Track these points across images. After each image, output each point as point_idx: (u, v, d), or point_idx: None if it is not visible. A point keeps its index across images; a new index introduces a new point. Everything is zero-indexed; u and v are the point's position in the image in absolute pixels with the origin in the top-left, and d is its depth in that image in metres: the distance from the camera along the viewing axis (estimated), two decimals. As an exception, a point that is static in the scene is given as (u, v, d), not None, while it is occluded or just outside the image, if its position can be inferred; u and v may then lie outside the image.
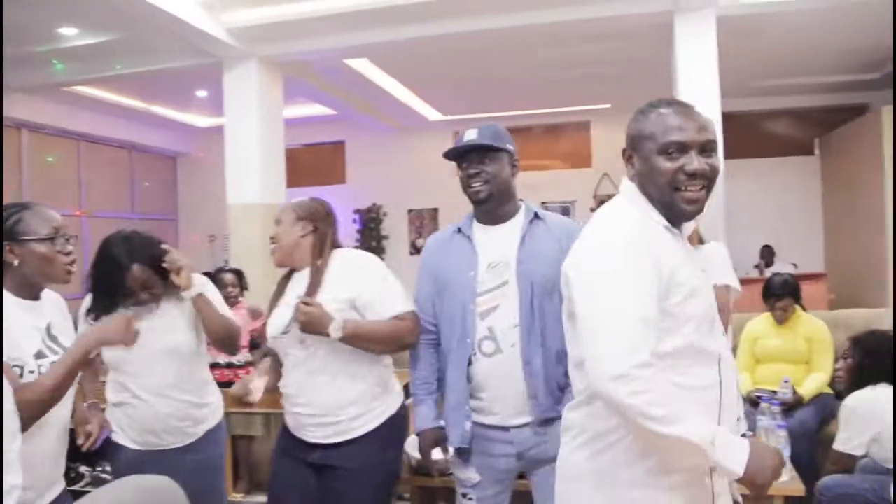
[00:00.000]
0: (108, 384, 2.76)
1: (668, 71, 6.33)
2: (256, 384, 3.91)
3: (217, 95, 7.05)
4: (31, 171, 8.66)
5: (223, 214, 7.05)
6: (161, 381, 2.66)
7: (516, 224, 2.46)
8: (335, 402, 2.45)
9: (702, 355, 1.70)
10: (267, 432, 4.08)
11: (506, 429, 2.38)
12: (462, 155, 2.46)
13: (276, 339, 2.55)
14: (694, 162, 1.71)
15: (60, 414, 2.09)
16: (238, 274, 5.23)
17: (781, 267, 8.66)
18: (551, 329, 2.27)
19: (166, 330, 2.67)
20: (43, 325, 2.13)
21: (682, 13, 5.94)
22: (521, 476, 2.53)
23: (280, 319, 2.51)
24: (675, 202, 1.73)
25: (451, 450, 2.49)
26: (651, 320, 1.61)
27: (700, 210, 1.75)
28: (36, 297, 2.15)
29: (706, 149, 1.74)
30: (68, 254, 2.16)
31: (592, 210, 10.74)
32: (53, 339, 2.13)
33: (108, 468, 2.74)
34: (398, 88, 9.08)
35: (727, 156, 5.80)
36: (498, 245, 2.43)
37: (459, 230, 2.52)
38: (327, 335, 2.35)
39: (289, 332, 2.47)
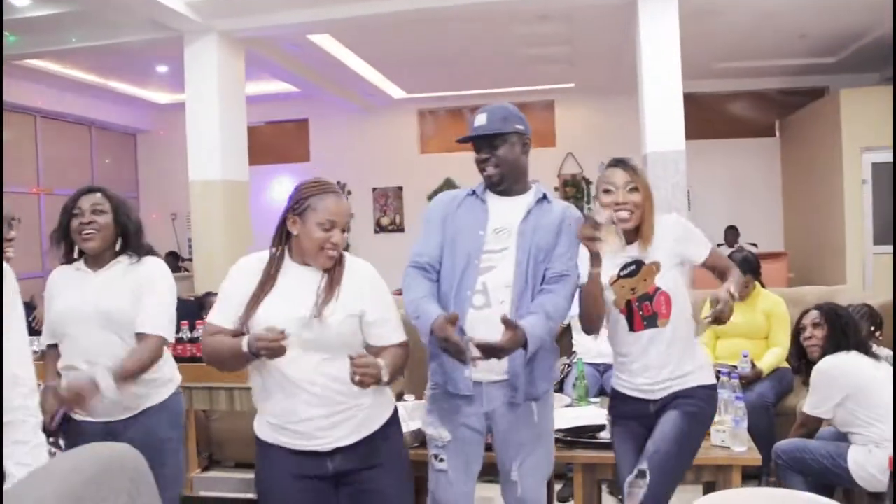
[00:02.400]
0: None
1: (632, 52, 6.36)
2: None
3: (178, 71, 6.96)
4: (-15, 146, 8.46)
5: (185, 192, 6.96)
6: (94, 349, 2.60)
7: (525, 200, 2.57)
8: (350, 392, 2.20)
9: None
10: (230, 408, 4.03)
11: (478, 383, 2.49)
12: (474, 139, 2.55)
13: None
14: None
15: None
16: None
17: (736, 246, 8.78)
18: (537, 293, 2.47)
19: (104, 293, 2.63)
20: None
21: (645, -7, 5.97)
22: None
23: (280, 315, 2.17)
24: None
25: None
26: None
27: None
28: None
29: None
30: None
31: (557, 189, 10.86)
32: None
33: (61, 442, 2.63)
34: (362, 66, 9.01)
35: (689, 136, 5.87)
36: (506, 213, 2.55)
37: (474, 193, 2.63)
38: (379, 383, 2.19)
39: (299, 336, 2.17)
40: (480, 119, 2.53)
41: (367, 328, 2.31)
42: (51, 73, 8.61)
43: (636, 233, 2.53)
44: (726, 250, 9.19)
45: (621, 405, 2.64)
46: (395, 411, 2.43)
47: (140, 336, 2.65)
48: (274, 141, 11.34)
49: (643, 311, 2.51)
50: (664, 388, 2.53)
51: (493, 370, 2.46)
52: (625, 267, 2.52)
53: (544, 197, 2.60)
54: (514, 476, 2.55)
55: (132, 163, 11.62)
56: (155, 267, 2.76)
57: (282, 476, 2.28)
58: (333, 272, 2.29)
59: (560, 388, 4.48)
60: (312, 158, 11.37)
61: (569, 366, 4.51)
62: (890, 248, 8.19)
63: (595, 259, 2.40)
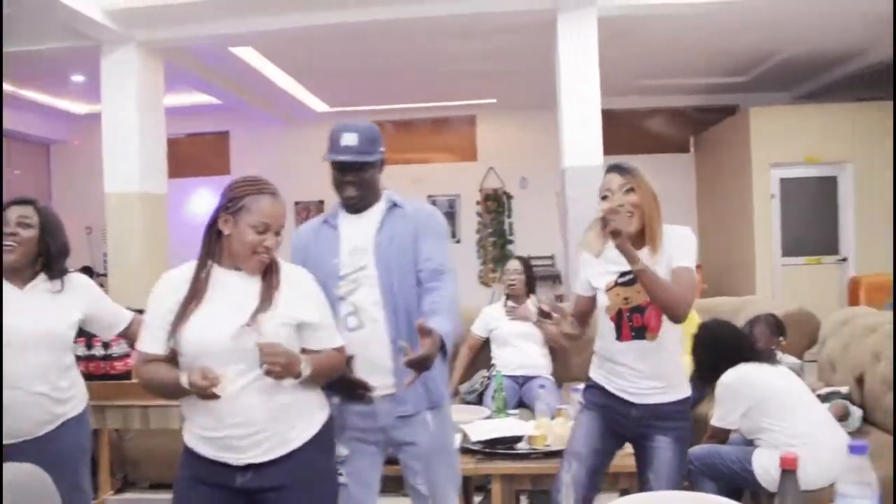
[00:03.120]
0: None
1: (552, 69, 6.48)
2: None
3: (95, 81, 6.77)
4: None
5: (101, 206, 6.75)
6: (33, 371, 2.57)
7: (376, 212, 2.58)
8: (274, 415, 2.14)
9: None
10: (146, 426, 3.95)
11: (370, 400, 2.51)
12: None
13: (209, 353, 2.10)
14: None
15: None
16: None
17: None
18: (409, 305, 2.48)
19: (45, 316, 2.61)
20: None
21: (563, 12, 6.10)
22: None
23: (213, 328, 2.11)
24: None
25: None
26: None
27: None
28: None
29: None
30: None
31: (478, 203, 10.96)
32: None
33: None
34: (285, 79, 8.94)
35: (608, 152, 5.99)
36: (359, 231, 2.55)
37: (326, 221, 2.63)
38: (297, 376, 2.12)
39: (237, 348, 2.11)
40: (349, 139, 2.47)
41: (305, 334, 2.23)
42: (-45, 79, 8.29)
43: (642, 237, 2.50)
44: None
45: (601, 397, 2.66)
46: (324, 429, 2.30)
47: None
48: (194, 153, 11.11)
49: (633, 322, 2.51)
50: (647, 395, 2.55)
51: (379, 385, 2.48)
52: (623, 275, 2.50)
53: (395, 204, 2.59)
54: (423, 489, 2.57)
55: (45, 174, 11.25)
56: (82, 282, 2.81)
57: (191, 478, 2.21)
58: (271, 278, 2.20)
59: (479, 400, 4.53)
60: (233, 171, 11.13)
61: (488, 378, 4.57)
62: (796, 260, 8.57)
63: (628, 256, 2.36)
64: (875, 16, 6.47)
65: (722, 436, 3.39)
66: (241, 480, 2.16)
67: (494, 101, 10.32)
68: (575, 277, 2.89)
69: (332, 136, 2.51)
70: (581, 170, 5.97)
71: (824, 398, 3.84)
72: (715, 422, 3.38)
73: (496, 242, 10.85)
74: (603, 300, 2.56)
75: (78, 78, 8.74)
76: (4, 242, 2.57)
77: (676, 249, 2.50)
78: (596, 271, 2.61)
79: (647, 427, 2.56)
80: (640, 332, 2.51)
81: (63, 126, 10.92)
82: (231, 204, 2.17)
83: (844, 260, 8.61)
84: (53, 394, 2.62)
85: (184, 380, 2.04)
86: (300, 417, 2.22)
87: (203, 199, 10.83)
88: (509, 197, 10.86)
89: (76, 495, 2.64)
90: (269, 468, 2.16)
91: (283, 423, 2.16)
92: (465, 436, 3.39)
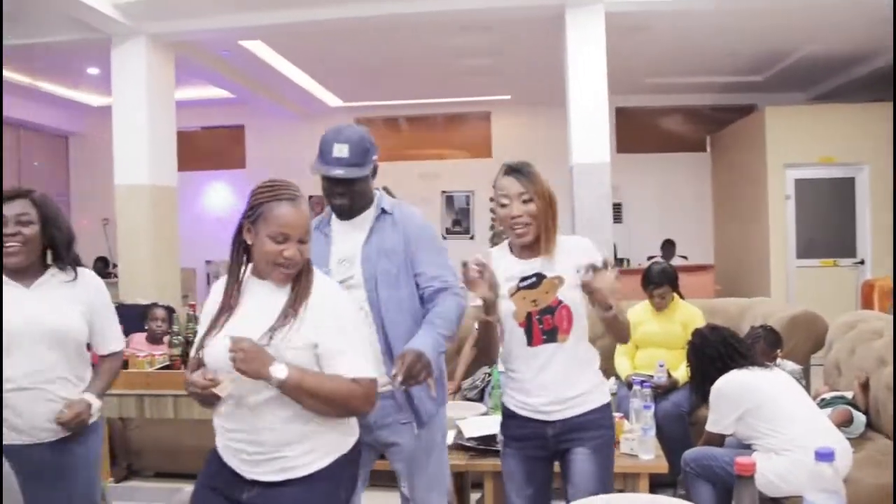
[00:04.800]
0: None
1: (562, 65, 6.45)
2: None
3: (109, 73, 6.82)
4: None
5: (117, 197, 6.82)
6: (41, 368, 2.43)
7: (367, 218, 2.53)
8: (283, 439, 2.03)
9: None
10: (140, 414, 3.94)
11: None
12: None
13: (222, 369, 1.99)
14: None
15: None
16: (169, 310, 5.16)
17: (673, 260, 8.92)
18: (393, 317, 2.46)
19: (50, 312, 2.46)
20: None
21: (571, 6, 6.08)
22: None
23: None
24: None
25: None
26: None
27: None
28: None
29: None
30: None
31: (492, 199, 10.87)
32: None
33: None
34: (296, 73, 8.96)
35: (622, 150, 5.95)
36: (348, 240, 2.52)
37: (318, 227, 2.53)
38: (266, 378, 1.93)
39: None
40: (341, 150, 2.38)
41: (321, 356, 2.04)
42: (-26, 72, 8.36)
43: (537, 246, 2.41)
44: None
45: (515, 427, 2.50)
46: (343, 461, 2.12)
47: (103, 357, 2.64)
48: (209, 147, 11.18)
49: (543, 325, 2.39)
50: (562, 410, 2.41)
51: None
52: (524, 279, 2.39)
53: (384, 211, 2.54)
54: (405, 491, 2.55)
55: (63, 166, 11.35)
56: (95, 284, 2.61)
57: (208, 482, 2.14)
58: (298, 291, 2.04)
59: (481, 396, 4.51)
60: (248, 165, 11.23)
61: (489, 375, 4.54)
62: (811, 262, 8.47)
63: (487, 307, 2.33)
64: (892, 16, 6.37)
65: (717, 441, 3.35)
66: (248, 496, 2.06)
67: (509, 97, 10.29)
68: None
69: (322, 145, 2.42)
70: (588, 167, 5.94)
71: (828, 403, 3.78)
72: (709, 427, 3.34)
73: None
74: (508, 306, 2.39)
75: (93, 70, 8.80)
76: (6, 244, 2.40)
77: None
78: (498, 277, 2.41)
79: (566, 441, 2.43)
80: (552, 335, 2.39)
81: (80, 118, 11.01)
82: (251, 212, 2.04)
83: (862, 262, 8.49)
84: (69, 396, 2.48)
85: (187, 378, 1.99)
86: (317, 445, 2.06)
87: (218, 192, 10.92)
88: (523, 194, 10.81)
89: (89, 491, 2.55)
90: (275, 490, 2.04)
91: (296, 448, 2.03)
92: (459, 432, 3.37)
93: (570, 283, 2.35)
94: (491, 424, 3.44)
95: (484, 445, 3.27)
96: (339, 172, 2.39)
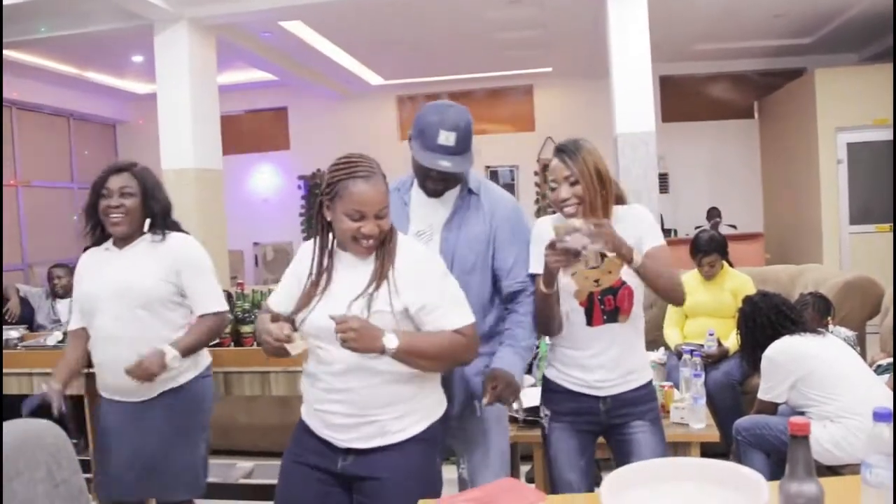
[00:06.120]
0: None
1: (604, 35, 6.35)
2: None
3: (154, 61, 6.90)
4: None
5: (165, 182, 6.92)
6: (122, 326, 2.62)
7: (451, 196, 2.42)
8: (378, 400, 2.04)
9: None
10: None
11: None
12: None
13: (318, 336, 2.05)
14: None
15: None
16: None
17: (720, 228, 8.78)
18: (472, 295, 2.26)
19: (128, 271, 2.65)
20: None
21: (615, -25, 5.97)
22: None
23: (325, 311, 1.99)
24: None
25: None
26: None
27: None
28: None
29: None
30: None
31: (536, 174, 10.86)
32: None
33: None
34: (337, 52, 8.97)
35: (667, 119, 5.87)
36: (429, 213, 2.42)
37: (399, 189, 2.45)
38: (380, 351, 1.93)
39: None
40: (447, 138, 2.25)
41: (419, 320, 2.05)
42: (25, 64, 8.50)
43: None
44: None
45: (566, 401, 2.45)
46: (434, 427, 2.13)
47: (199, 317, 2.73)
48: (253, 129, 11.29)
49: (605, 305, 2.34)
50: (615, 386, 2.38)
51: None
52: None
53: (470, 191, 2.42)
54: (464, 473, 2.51)
55: (112, 153, 11.52)
56: (188, 245, 2.76)
57: (297, 455, 2.15)
58: (383, 260, 2.04)
59: (529, 369, 4.50)
60: (292, 146, 11.32)
61: (536, 347, 4.52)
62: (865, 228, 8.25)
63: (549, 280, 2.23)
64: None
65: (769, 409, 3.30)
66: (342, 464, 2.07)
67: (550, 69, 10.19)
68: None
69: (426, 128, 2.28)
70: (633, 136, 5.86)
71: (885, 370, 3.71)
72: (761, 395, 3.29)
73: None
74: (568, 284, 2.29)
75: (138, 58, 8.92)
76: (112, 215, 2.63)
77: (644, 231, 2.32)
78: None
79: (619, 416, 2.40)
80: (613, 315, 2.34)
81: (127, 106, 11.21)
82: (329, 189, 2.03)
83: (919, 226, 8.25)
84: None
85: (263, 326, 2.04)
86: (410, 410, 2.07)
87: (264, 175, 11.00)
88: (568, 167, 10.73)
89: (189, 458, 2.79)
90: (370, 456, 2.05)
91: (388, 412, 2.04)
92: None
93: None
94: (538, 396, 3.44)
95: (533, 417, 3.27)
96: (446, 164, 2.27)
